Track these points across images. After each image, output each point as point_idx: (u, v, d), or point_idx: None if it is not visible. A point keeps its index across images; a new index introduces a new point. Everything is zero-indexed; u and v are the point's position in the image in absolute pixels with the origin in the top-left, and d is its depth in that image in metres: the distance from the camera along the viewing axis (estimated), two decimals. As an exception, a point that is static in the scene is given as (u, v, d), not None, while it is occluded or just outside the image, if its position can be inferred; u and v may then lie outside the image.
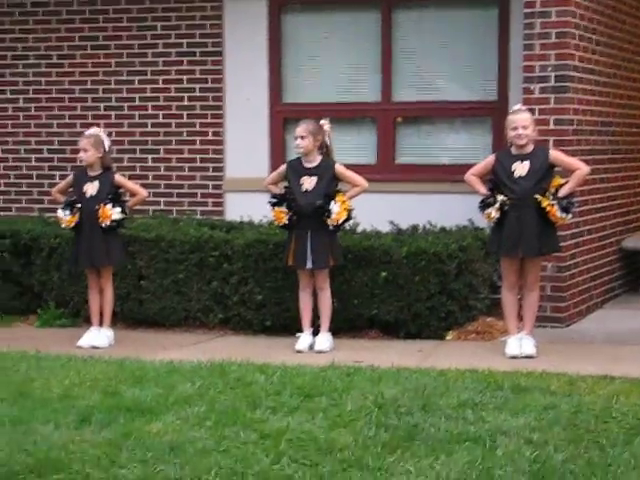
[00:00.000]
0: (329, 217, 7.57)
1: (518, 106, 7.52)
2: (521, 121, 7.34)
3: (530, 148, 7.38)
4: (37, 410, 5.77)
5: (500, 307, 7.67)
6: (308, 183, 7.67)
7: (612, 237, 9.17)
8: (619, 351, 7.48)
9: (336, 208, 7.57)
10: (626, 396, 5.87)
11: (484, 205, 7.40)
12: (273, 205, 7.76)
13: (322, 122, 7.80)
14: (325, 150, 7.79)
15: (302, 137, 7.70)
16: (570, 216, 7.35)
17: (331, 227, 7.61)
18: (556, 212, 7.24)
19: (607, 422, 5.38)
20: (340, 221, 7.60)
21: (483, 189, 7.45)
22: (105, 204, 7.92)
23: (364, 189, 7.75)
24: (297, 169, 7.76)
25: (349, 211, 7.62)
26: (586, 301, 8.58)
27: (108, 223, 7.91)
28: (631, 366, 6.86)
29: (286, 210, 7.68)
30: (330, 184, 7.68)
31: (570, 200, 7.30)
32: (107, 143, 8.13)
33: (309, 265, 7.65)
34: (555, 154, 7.42)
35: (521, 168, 7.34)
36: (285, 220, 7.69)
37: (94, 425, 5.49)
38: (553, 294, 8.10)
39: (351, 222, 7.93)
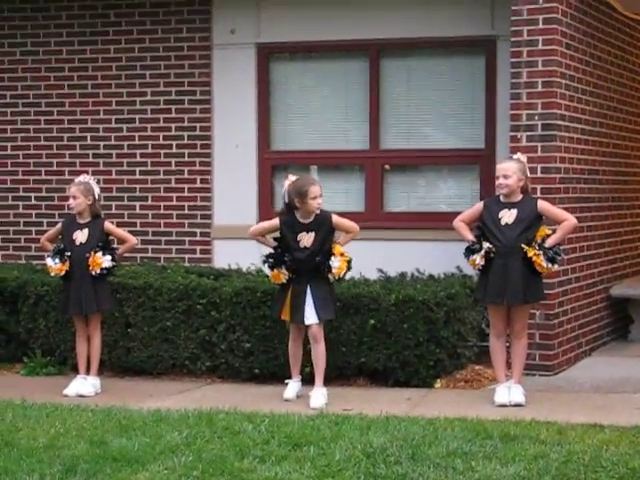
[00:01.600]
0: (330, 272, 7.50)
1: (517, 155, 7.52)
2: (502, 170, 7.37)
3: (519, 197, 7.39)
4: (22, 460, 5.70)
5: (488, 355, 7.66)
6: (306, 240, 7.51)
7: (600, 285, 9.19)
8: (608, 399, 7.46)
9: (337, 263, 7.47)
10: (616, 445, 5.85)
11: (469, 252, 7.41)
12: (271, 267, 7.57)
13: (291, 176, 7.66)
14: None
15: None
16: (556, 266, 7.35)
17: (331, 280, 7.54)
18: (542, 262, 7.25)
19: (597, 472, 5.35)
20: (342, 274, 7.53)
21: (470, 236, 7.47)
22: (95, 252, 7.91)
23: (357, 233, 7.68)
24: (292, 225, 7.56)
25: (349, 262, 7.55)
26: (574, 349, 8.58)
27: (98, 271, 7.89)
28: (620, 415, 6.84)
29: (285, 272, 7.54)
30: (328, 237, 7.54)
31: (556, 250, 7.30)
32: (97, 191, 8.14)
33: (312, 320, 7.46)
34: (543, 204, 7.43)
35: (508, 216, 7.35)
36: (284, 280, 7.55)
37: (80, 475, 5.44)
38: (542, 342, 8.10)
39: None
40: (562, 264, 7.75)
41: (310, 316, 7.48)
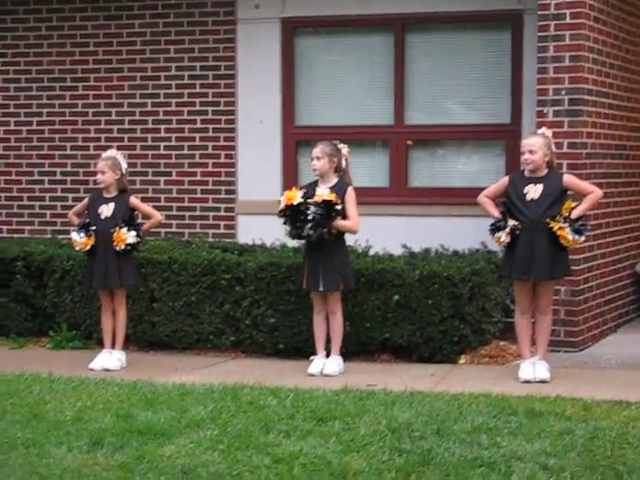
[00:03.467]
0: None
1: (542, 130, 7.49)
2: (528, 145, 7.34)
3: (544, 172, 7.36)
4: (50, 432, 5.76)
5: (513, 331, 7.64)
6: None
7: (626, 261, 9.14)
8: (634, 376, 7.43)
9: (325, 190, 7.51)
10: (642, 421, 5.84)
11: (494, 229, 7.38)
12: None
13: (341, 145, 7.78)
14: (342, 173, 7.77)
15: (318, 158, 7.69)
16: (583, 238, 7.31)
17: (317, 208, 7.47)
18: (567, 235, 7.21)
19: (623, 448, 5.34)
20: (324, 197, 7.45)
21: (495, 212, 7.44)
22: (120, 228, 7.92)
23: (352, 230, 7.67)
24: (312, 191, 7.67)
25: (336, 200, 7.47)
26: (600, 325, 8.55)
27: (123, 247, 7.91)
28: (646, 391, 6.82)
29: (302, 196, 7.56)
30: (342, 207, 7.63)
31: (583, 223, 7.28)
32: (124, 165, 8.14)
33: (321, 288, 7.63)
34: (569, 178, 7.40)
35: (534, 191, 7.32)
36: (298, 198, 7.47)
37: (106, 448, 5.47)
38: (567, 318, 8.07)
39: (364, 245, 7.84)
40: (588, 240, 7.71)
41: (324, 284, 7.55)
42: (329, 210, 7.47)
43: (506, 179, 7.55)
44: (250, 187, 9.63)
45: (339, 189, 7.66)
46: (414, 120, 9.35)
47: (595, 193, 7.37)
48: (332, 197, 7.49)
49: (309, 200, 7.48)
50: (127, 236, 7.91)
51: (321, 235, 7.49)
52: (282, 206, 7.57)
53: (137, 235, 7.96)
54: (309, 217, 7.45)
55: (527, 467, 5.06)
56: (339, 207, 7.50)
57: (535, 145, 7.32)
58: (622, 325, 9.06)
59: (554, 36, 8.02)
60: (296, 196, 7.53)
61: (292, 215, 7.52)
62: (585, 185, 7.48)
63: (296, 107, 9.63)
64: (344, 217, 7.61)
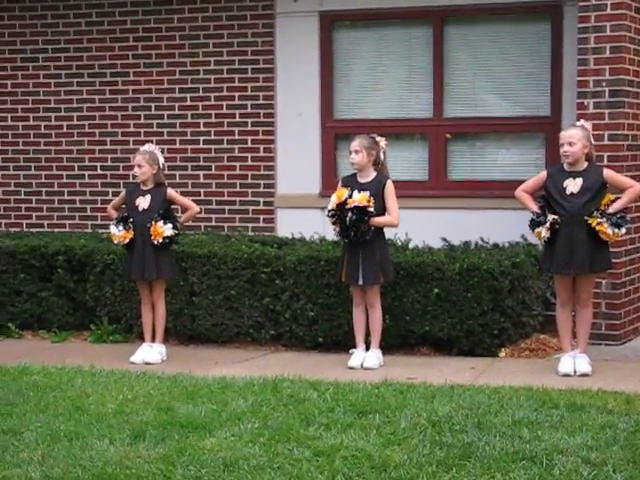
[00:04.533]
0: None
1: (580, 122, 7.44)
2: (567, 137, 7.28)
3: (584, 165, 7.30)
4: (92, 425, 5.81)
5: (554, 324, 7.60)
6: (359, 200, 7.61)
7: (667, 253, 9.05)
8: (676, 369, 7.38)
9: (357, 196, 7.51)
10: (685, 415, 5.79)
11: (534, 224, 7.34)
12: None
13: (378, 138, 7.78)
14: (380, 166, 7.77)
15: (356, 151, 7.69)
16: (623, 231, 7.25)
17: (351, 215, 7.47)
18: (606, 229, 7.15)
19: (666, 442, 5.31)
20: (355, 204, 7.46)
21: (534, 206, 7.39)
22: (156, 221, 7.96)
23: (392, 224, 7.67)
24: (351, 184, 7.72)
25: (368, 201, 7.48)
26: (641, 318, 8.48)
27: (161, 240, 7.95)
28: (689, 385, 6.76)
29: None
30: (382, 200, 7.65)
31: (622, 215, 7.22)
32: (161, 160, 8.19)
33: (360, 281, 7.63)
34: (609, 172, 7.33)
35: (573, 185, 7.27)
36: (345, 196, 7.52)
37: (148, 441, 5.51)
38: (608, 311, 8.02)
39: (404, 238, 7.82)
40: (629, 232, 7.64)
41: (363, 277, 7.56)
42: (363, 215, 7.50)
43: (544, 173, 7.50)
44: (289, 181, 9.64)
45: (378, 182, 7.66)
46: (453, 113, 9.32)
47: (635, 187, 7.30)
48: (364, 201, 7.49)
49: (346, 206, 7.49)
50: (164, 229, 7.95)
51: (364, 235, 7.49)
52: (333, 206, 7.60)
53: (174, 227, 8.00)
54: (347, 222, 7.49)
55: (569, 461, 5.04)
56: (372, 209, 7.51)
57: (574, 137, 7.26)
58: (664, 318, 8.98)
59: (595, 27, 7.96)
60: (344, 195, 7.55)
61: (340, 215, 7.55)
62: (624, 179, 7.41)
63: (335, 100, 9.62)
64: (384, 210, 7.61)
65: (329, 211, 7.63)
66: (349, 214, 7.49)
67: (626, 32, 7.98)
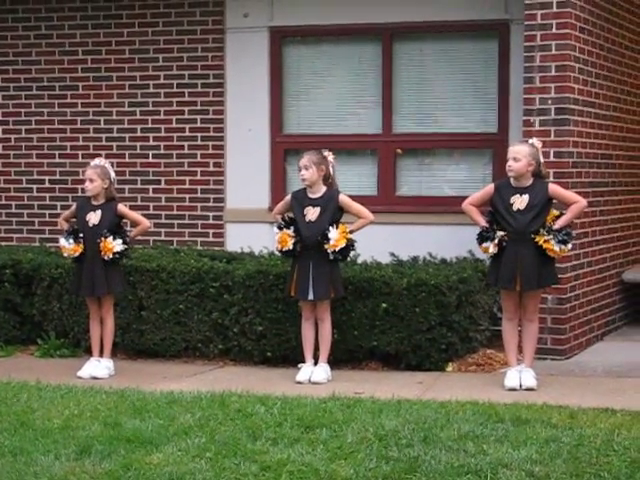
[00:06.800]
0: (327, 243, 7.55)
1: (532, 140, 7.50)
2: (513, 153, 7.37)
3: (529, 181, 7.39)
4: (38, 440, 5.76)
5: (500, 339, 7.67)
6: (311, 214, 7.68)
7: (612, 269, 9.19)
8: (620, 384, 7.47)
9: (334, 234, 7.56)
10: (627, 429, 5.86)
11: (482, 238, 7.41)
12: (280, 228, 7.71)
13: (326, 153, 7.82)
14: (330, 181, 7.81)
15: (306, 167, 7.72)
16: (569, 247, 7.35)
17: (331, 255, 7.58)
18: (553, 247, 7.25)
19: (609, 455, 5.37)
20: (338, 248, 7.56)
21: (482, 220, 7.46)
22: (106, 237, 7.93)
23: (369, 221, 7.75)
24: (301, 200, 7.76)
25: (348, 240, 7.61)
26: (586, 333, 8.58)
27: (111, 256, 7.92)
28: (632, 399, 6.85)
29: (293, 234, 7.66)
30: (334, 215, 7.68)
31: (566, 231, 7.31)
32: (112, 174, 8.16)
33: (310, 296, 7.65)
34: (554, 188, 7.43)
35: (520, 202, 7.34)
36: (290, 245, 7.64)
37: (94, 456, 5.48)
38: (553, 326, 8.10)
39: (352, 253, 7.91)
40: (575, 248, 7.74)
41: (314, 293, 7.59)
42: (348, 250, 7.65)
43: (492, 187, 7.57)
44: (238, 195, 9.65)
45: (329, 197, 7.70)
46: (402, 129, 9.39)
47: (579, 203, 7.40)
48: (342, 241, 7.56)
49: (325, 246, 7.56)
50: (114, 245, 7.92)
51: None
52: (280, 248, 7.73)
53: (124, 242, 7.97)
54: (330, 258, 7.58)
55: (513, 474, 5.08)
56: (351, 236, 7.62)
57: (520, 153, 7.35)
58: (609, 333, 9.10)
59: (540, 46, 8.07)
60: (288, 241, 7.63)
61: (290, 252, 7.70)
62: (570, 194, 7.51)
63: (284, 116, 9.66)
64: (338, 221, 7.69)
65: (279, 251, 7.79)
66: (333, 256, 7.58)
67: (571, 51, 8.10)
